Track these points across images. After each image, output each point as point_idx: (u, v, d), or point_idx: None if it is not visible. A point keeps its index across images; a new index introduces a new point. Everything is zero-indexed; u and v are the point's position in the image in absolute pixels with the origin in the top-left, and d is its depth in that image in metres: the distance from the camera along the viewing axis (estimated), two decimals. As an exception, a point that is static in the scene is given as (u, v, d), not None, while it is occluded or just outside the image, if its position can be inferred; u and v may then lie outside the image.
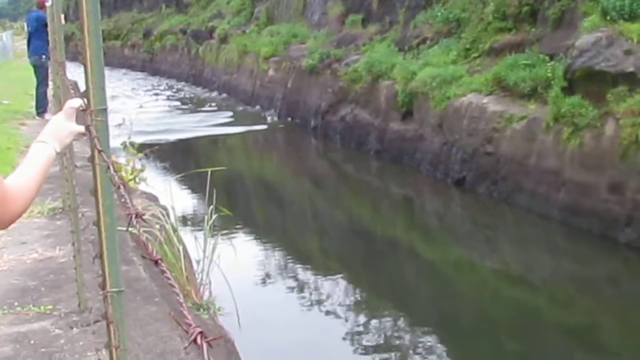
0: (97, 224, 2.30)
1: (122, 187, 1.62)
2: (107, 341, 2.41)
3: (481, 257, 13.58)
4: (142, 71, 46.68)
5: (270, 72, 29.16)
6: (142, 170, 10.93)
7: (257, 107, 29.83)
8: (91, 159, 2.21)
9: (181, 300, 1.26)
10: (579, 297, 11.51)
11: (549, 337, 10.02)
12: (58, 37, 5.56)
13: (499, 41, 17.53)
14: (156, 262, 1.30)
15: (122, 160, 11.45)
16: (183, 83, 40.32)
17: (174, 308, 5.82)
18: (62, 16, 6.65)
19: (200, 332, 1.15)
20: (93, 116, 2.22)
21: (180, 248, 7.23)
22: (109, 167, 1.82)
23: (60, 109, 2.56)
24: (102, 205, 2.27)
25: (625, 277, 11.89)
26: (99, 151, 1.93)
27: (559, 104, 13.69)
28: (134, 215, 1.48)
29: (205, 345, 1.11)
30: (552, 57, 15.26)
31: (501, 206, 15.06)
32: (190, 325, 1.16)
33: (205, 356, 1.07)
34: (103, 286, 2.31)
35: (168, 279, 1.28)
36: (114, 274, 2.33)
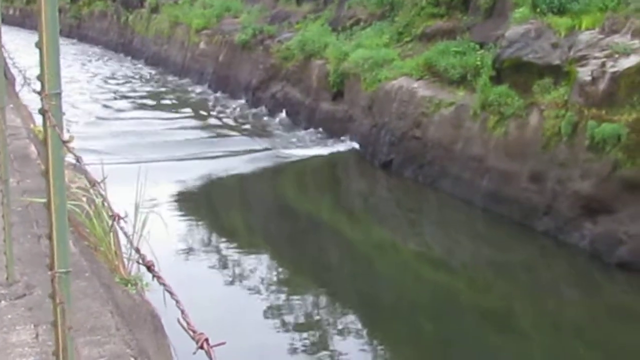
0: (47, 205, 2.33)
1: (98, 185, 1.66)
2: (53, 320, 2.45)
3: (404, 240, 13.85)
4: (68, 37, 45.51)
5: (202, 45, 28.87)
6: (69, 141, 10.75)
7: (187, 79, 29.51)
8: (44, 142, 2.23)
9: (182, 308, 1.33)
10: (495, 281, 11.88)
11: (466, 318, 10.34)
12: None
13: (431, 27, 17.78)
14: (149, 268, 1.35)
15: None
16: (111, 52, 39.51)
17: (104, 283, 5.82)
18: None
19: (206, 340, 1.22)
20: (47, 100, 2.25)
21: (110, 222, 7.18)
22: (78, 161, 1.87)
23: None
24: (53, 187, 2.30)
25: (540, 265, 12.29)
26: (64, 142, 1.96)
27: (486, 93, 14.01)
28: (117, 217, 1.53)
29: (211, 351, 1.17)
30: (482, 46, 15.58)
31: (426, 190, 15.34)
32: (195, 332, 1.23)
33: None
34: (51, 266, 2.35)
35: (164, 284, 1.34)
36: (63, 255, 2.37)
